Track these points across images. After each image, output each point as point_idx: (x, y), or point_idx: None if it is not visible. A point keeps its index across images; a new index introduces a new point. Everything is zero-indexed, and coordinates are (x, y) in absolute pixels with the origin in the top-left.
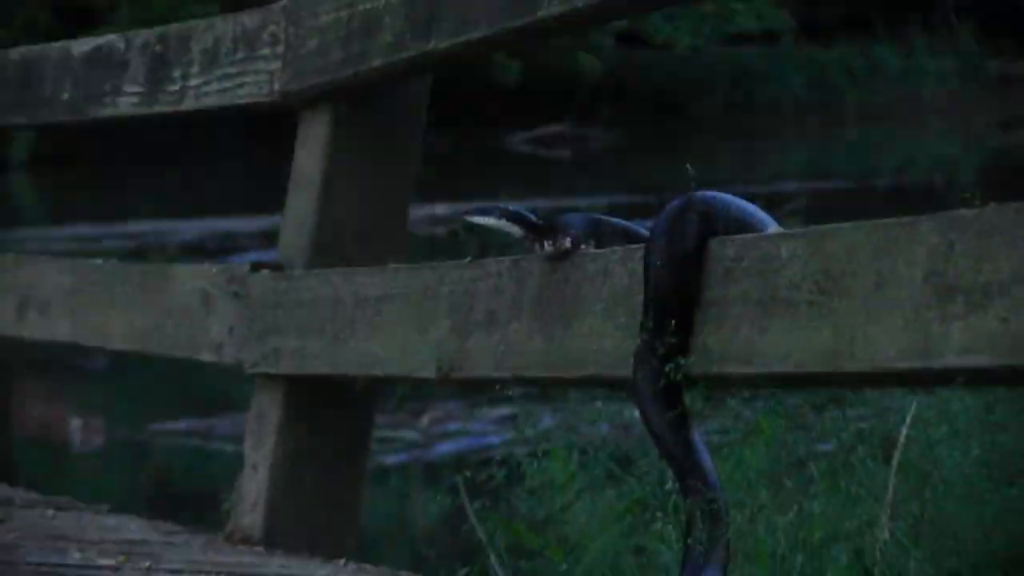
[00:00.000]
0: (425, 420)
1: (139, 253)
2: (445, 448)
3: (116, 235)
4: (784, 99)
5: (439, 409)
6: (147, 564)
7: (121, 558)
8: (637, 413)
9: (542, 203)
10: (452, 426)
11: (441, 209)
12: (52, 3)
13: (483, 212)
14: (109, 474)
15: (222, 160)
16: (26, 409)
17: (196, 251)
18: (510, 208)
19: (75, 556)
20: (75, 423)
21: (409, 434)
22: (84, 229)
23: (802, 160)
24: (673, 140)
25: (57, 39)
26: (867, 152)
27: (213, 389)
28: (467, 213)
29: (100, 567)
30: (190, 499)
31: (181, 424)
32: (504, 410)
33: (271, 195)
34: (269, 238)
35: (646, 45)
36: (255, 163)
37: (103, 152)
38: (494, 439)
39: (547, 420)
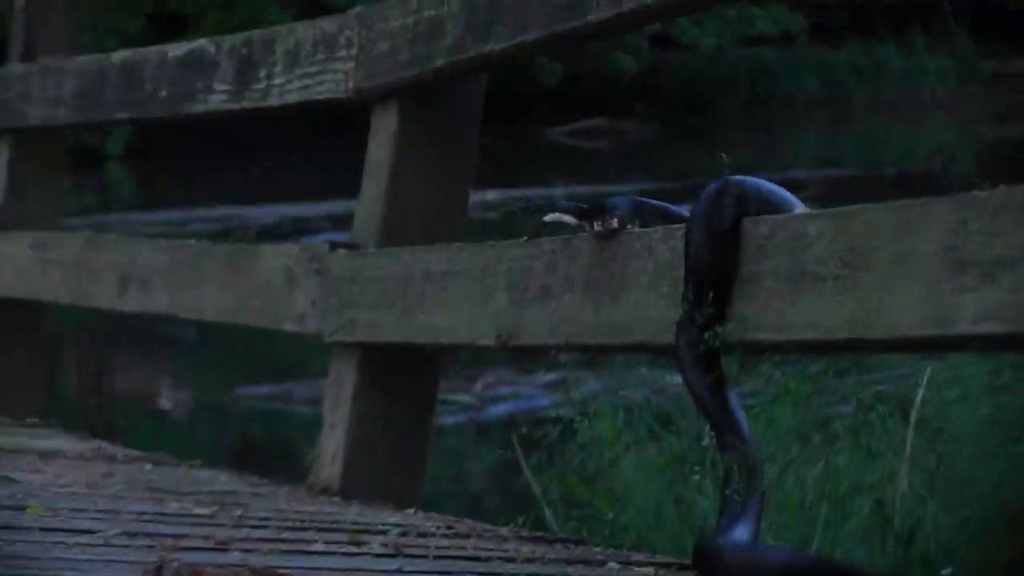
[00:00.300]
0: (479, 385)
1: (222, 235)
2: (497, 410)
3: (201, 219)
4: (797, 95)
5: (492, 375)
6: (238, 513)
7: (215, 507)
8: (679, 376)
9: (581, 189)
10: (504, 390)
11: (492, 195)
12: (149, 15)
13: (545, 209)
14: (197, 433)
15: (293, 152)
16: (123, 376)
17: (272, 233)
18: (564, 202)
19: (173, 506)
20: (166, 388)
21: (465, 397)
22: (173, 214)
23: (814, 150)
24: (700, 132)
25: (150, 44)
26: (873, 142)
27: (288, 359)
28: (519, 199)
29: (197, 515)
30: (271, 455)
31: (262, 389)
32: (552, 375)
33: (336, 183)
34: (335, 221)
35: (676, 46)
36: (322, 155)
37: (189, 144)
38: (543, 401)
39: (591, 384)
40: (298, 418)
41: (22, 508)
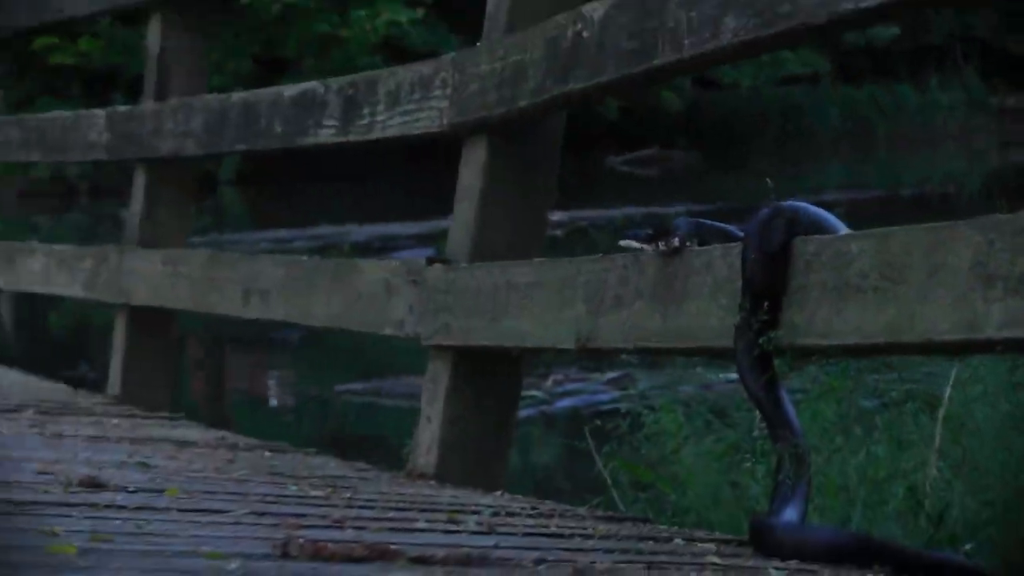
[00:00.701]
0: (549, 381)
1: (321, 251)
2: (565, 404)
3: (304, 237)
4: (823, 129)
5: (560, 372)
6: (348, 495)
7: (329, 490)
8: (735, 375)
9: (634, 210)
10: (570, 386)
11: (558, 216)
12: (256, 58)
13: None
14: (301, 425)
15: (381, 179)
16: (235, 374)
17: (364, 249)
18: (635, 231)
19: (292, 489)
20: (273, 385)
21: (537, 393)
22: (279, 233)
23: (839, 176)
24: (737, 161)
25: (256, 85)
26: (892, 170)
27: (379, 359)
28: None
29: (313, 497)
30: (365, 443)
31: (357, 385)
32: (613, 373)
33: (419, 206)
34: (419, 239)
35: (716, 86)
36: (407, 181)
37: (291, 171)
38: (605, 396)
39: (648, 381)
40: (389, 411)
41: (161, 491)
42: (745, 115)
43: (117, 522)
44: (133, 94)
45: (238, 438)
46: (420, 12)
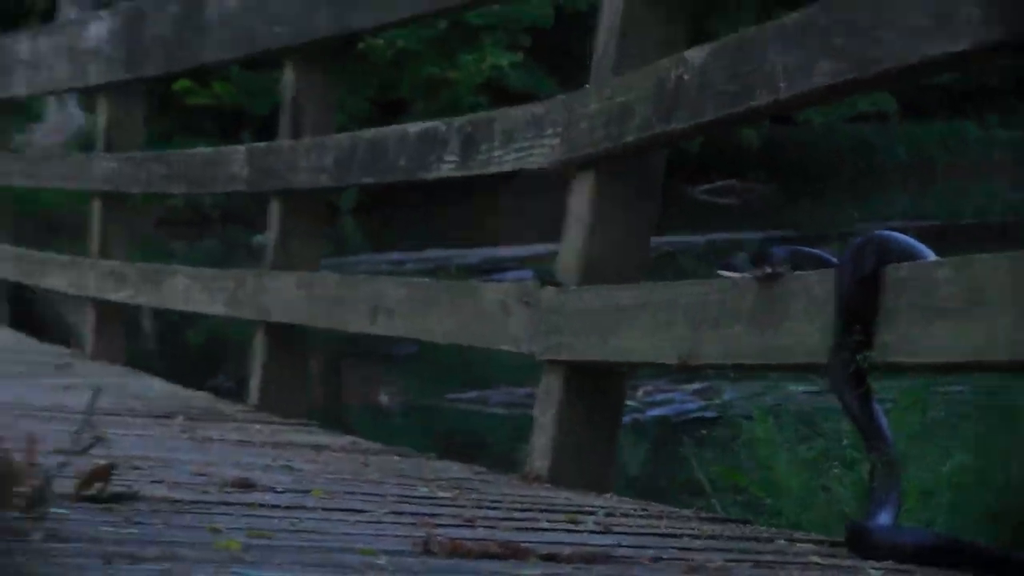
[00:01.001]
0: (640, 392)
1: (432, 273)
2: (655, 412)
3: (417, 260)
4: (890, 163)
5: (650, 383)
6: (474, 496)
7: (455, 491)
8: (831, 390)
9: (715, 236)
10: (659, 396)
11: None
12: (371, 99)
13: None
14: (415, 431)
15: (488, 202)
16: (355, 384)
17: (471, 270)
18: (733, 260)
19: (422, 490)
20: (389, 393)
21: (629, 402)
22: (395, 255)
23: (905, 206)
24: (811, 193)
25: (371, 123)
26: (955, 200)
27: (483, 371)
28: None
29: (441, 497)
30: (474, 448)
31: (467, 394)
32: (699, 384)
33: (520, 231)
34: (521, 261)
35: (791, 123)
36: (509, 208)
37: (404, 200)
38: (691, 406)
39: (730, 393)
40: (496, 418)
41: (307, 491)
42: (818, 150)
43: (273, 520)
44: (259, 131)
45: (367, 443)
46: (519, 56)
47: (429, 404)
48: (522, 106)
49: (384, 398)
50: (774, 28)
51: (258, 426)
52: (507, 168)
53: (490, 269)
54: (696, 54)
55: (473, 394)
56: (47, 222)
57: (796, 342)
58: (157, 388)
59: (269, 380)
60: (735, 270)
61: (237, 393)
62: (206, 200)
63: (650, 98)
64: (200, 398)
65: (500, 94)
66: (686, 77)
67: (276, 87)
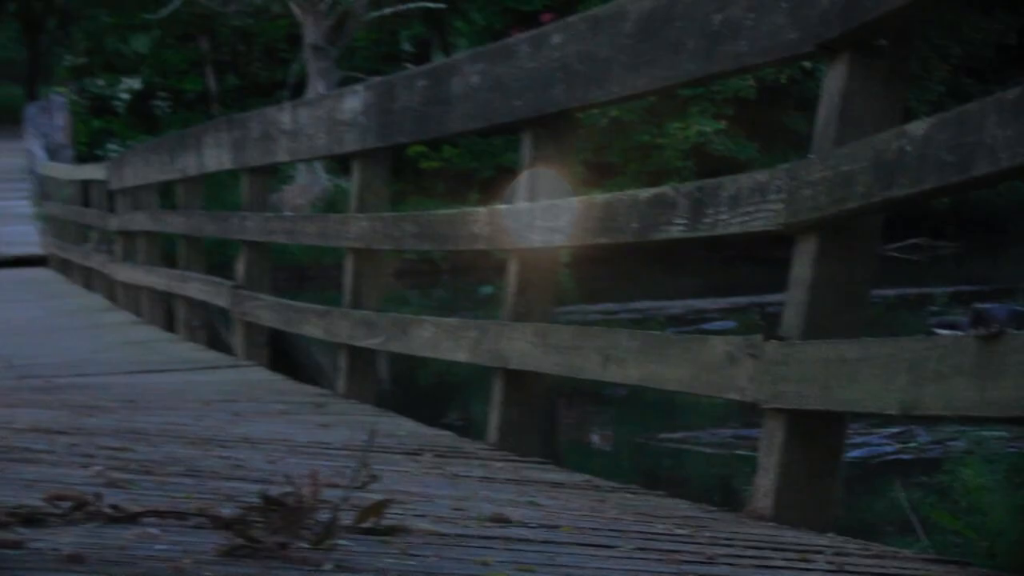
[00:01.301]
0: None
1: (641, 323)
2: (854, 455)
3: (626, 310)
4: None
5: (849, 427)
6: (707, 533)
7: (691, 529)
8: None
9: (911, 290)
10: (857, 439)
11: None
12: (585, 161)
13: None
14: (628, 467)
15: (687, 261)
16: (572, 422)
17: (678, 320)
18: (940, 319)
19: (659, 527)
20: (603, 431)
21: None
22: (607, 306)
23: None
24: (997, 248)
25: (588, 184)
26: None
27: (689, 413)
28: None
29: (679, 534)
30: (686, 485)
31: (676, 434)
32: (893, 428)
33: (718, 284)
34: (724, 312)
35: None
36: (706, 264)
37: (612, 256)
38: (888, 448)
39: (924, 436)
40: (703, 457)
41: (556, 526)
42: (1004, 207)
43: (530, 554)
44: (484, 191)
45: (599, 480)
46: (722, 124)
47: (640, 442)
48: (746, 174)
49: (596, 436)
50: (993, 103)
51: (499, 463)
52: (733, 231)
53: (693, 319)
54: (917, 127)
55: (686, 434)
56: (297, 273)
57: (1017, 396)
58: (405, 426)
59: (506, 420)
60: (953, 328)
61: (467, 430)
62: (436, 254)
63: (871, 167)
64: (443, 436)
65: (705, 158)
66: (907, 148)
67: (500, 151)
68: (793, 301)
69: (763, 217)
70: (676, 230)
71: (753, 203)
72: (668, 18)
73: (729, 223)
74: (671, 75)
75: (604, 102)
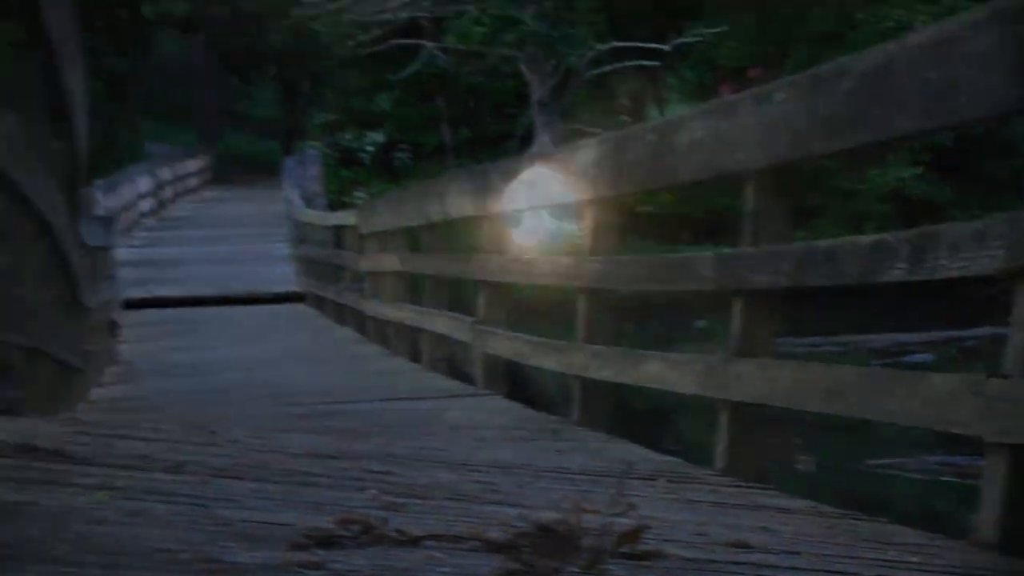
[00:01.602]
0: None
1: (844, 356)
2: None
3: (830, 343)
4: None
5: None
6: (937, 562)
7: (919, 556)
8: None
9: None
10: None
11: None
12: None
13: None
14: (827, 490)
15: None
16: (778, 446)
17: (879, 353)
18: None
19: (891, 554)
20: (805, 455)
21: None
22: (813, 339)
23: None
24: None
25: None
26: None
27: (893, 441)
28: None
29: (911, 562)
30: (901, 512)
31: (886, 460)
32: None
33: (918, 317)
34: (924, 344)
35: None
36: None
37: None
38: None
39: None
40: (909, 482)
41: (796, 552)
42: None
43: None
44: (695, 233)
45: (824, 507)
46: (919, 170)
47: (848, 468)
48: (964, 223)
49: (800, 461)
50: None
51: (728, 489)
52: (953, 275)
53: (896, 352)
54: None
55: (894, 460)
56: (521, 309)
57: None
58: (635, 452)
59: (732, 447)
60: None
61: (685, 455)
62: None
63: None
64: (671, 462)
65: (903, 202)
66: None
67: (710, 197)
68: (1015, 341)
69: (982, 263)
70: (897, 274)
71: (972, 249)
72: (888, 75)
73: (948, 268)
74: (891, 131)
75: (829, 154)
